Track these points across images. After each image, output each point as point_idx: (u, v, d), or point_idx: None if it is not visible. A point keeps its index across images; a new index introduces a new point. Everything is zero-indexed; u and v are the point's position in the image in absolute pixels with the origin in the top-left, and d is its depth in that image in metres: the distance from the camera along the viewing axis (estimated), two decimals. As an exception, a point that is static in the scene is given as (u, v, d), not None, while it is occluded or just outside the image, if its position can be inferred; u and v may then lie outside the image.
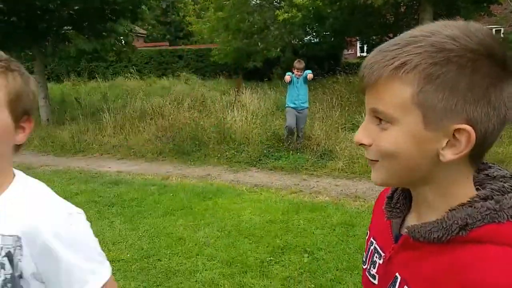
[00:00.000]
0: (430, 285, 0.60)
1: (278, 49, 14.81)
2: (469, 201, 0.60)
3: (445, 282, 0.58)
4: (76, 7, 8.82)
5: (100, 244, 3.04)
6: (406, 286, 0.63)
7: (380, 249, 0.73)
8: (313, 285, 2.83)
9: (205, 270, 3.13)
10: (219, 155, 6.70)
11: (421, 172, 0.61)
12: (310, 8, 10.14)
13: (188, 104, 9.06)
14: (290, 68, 19.71)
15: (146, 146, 7.29)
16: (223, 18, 14.35)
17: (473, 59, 0.55)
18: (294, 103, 6.44)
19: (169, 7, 30.51)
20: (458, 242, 0.58)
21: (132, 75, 15.34)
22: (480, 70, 0.55)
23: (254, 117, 8.30)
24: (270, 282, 2.90)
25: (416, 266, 0.62)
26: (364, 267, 0.77)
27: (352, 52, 22.65)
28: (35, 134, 8.31)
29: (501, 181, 0.62)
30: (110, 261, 2.85)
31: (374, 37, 13.31)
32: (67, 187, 5.25)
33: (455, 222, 0.58)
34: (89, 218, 3.22)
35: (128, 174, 6.01)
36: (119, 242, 3.64)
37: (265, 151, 6.56)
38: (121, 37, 9.40)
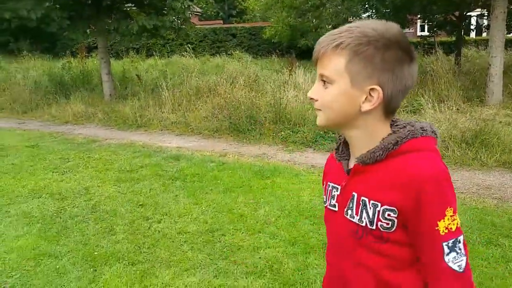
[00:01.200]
0: (379, 189, 0.89)
1: (331, 26, 14.38)
2: (393, 130, 0.92)
3: (389, 183, 0.88)
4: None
5: (166, 216, 3.21)
6: (363, 196, 0.92)
7: (336, 184, 1.01)
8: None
9: (268, 247, 3.20)
10: (274, 134, 6.72)
11: (349, 118, 0.91)
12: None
13: (242, 83, 9.09)
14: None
15: (203, 123, 7.47)
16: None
17: (385, 43, 0.86)
18: None
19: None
20: (392, 156, 0.89)
21: (187, 53, 15.60)
22: (389, 51, 0.86)
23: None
24: (333, 264, 2.92)
25: (366, 182, 0.92)
26: (325, 205, 1.04)
27: (412, 30, 21.50)
28: (99, 109, 8.79)
29: (406, 123, 0.94)
30: (177, 233, 3.00)
31: (437, 16, 12.49)
32: (132, 160, 5.53)
33: (390, 142, 0.89)
34: (155, 191, 3.40)
35: (187, 149, 6.21)
36: (184, 215, 3.80)
37: (320, 132, 6.48)
38: (179, 14, 9.52)
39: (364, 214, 0.92)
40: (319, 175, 4.85)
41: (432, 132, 0.92)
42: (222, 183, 4.62)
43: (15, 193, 4.44)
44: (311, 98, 0.95)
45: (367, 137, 0.93)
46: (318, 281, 2.73)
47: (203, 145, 6.54)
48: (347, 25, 0.91)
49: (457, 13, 11.73)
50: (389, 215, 0.88)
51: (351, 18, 15.80)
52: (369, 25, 0.88)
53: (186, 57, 15.93)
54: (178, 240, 3.36)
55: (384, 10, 13.39)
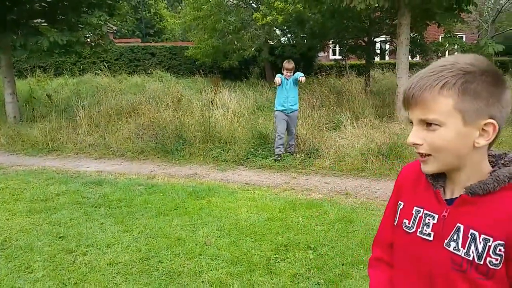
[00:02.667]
0: (491, 223, 0.85)
1: (253, 49, 14.78)
2: (502, 163, 0.91)
3: (502, 218, 0.85)
4: (49, -1, 8.39)
5: (93, 247, 2.87)
6: (472, 229, 0.87)
7: (431, 212, 0.95)
8: (322, 281, 2.80)
9: (211, 270, 3.01)
10: (204, 153, 6.55)
11: (463, 160, 0.89)
12: (291, 11, 10.15)
13: (167, 102, 8.81)
14: (265, 69, 19.91)
15: (126, 145, 7.02)
16: (199, 16, 14.13)
17: (487, 75, 0.85)
18: (283, 106, 5.97)
19: (140, 3, 29.73)
20: (504, 190, 0.86)
21: (102, 71, 14.77)
22: (492, 83, 0.85)
23: (237, 116, 8.22)
24: (279, 280, 2.84)
25: (475, 214, 0.88)
26: (411, 231, 0.98)
27: (325, 54, 22.97)
28: (1, 132, 7.83)
29: (505, 156, 0.93)
30: (107, 265, 2.68)
31: (350, 40, 13.54)
32: (46, 188, 4.95)
33: (504, 175, 0.86)
34: (76, 220, 3.03)
35: (110, 174, 5.75)
36: (113, 244, 3.45)
37: (251, 150, 6.47)
38: (96, 29, 8.95)
39: (473, 248, 0.87)
40: (254, 192, 4.80)
41: None
42: (153, 207, 4.32)
43: None
44: (414, 144, 0.91)
45: (473, 171, 0.91)
46: (267, 301, 2.62)
47: (128, 168, 6.12)
48: (436, 63, 0.89)
49: (366, 39, 12.79)
50: (500, 250, 0.85)
51: (271, 41, 16.40)
52: (460, 60, 0.87)
53: (100, 75, 15.09)
54: (109, 273, 3.01)
55: (302, 35, 14.16)
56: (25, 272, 3.02)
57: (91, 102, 9.08)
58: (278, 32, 15.84)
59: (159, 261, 3.18)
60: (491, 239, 0.85)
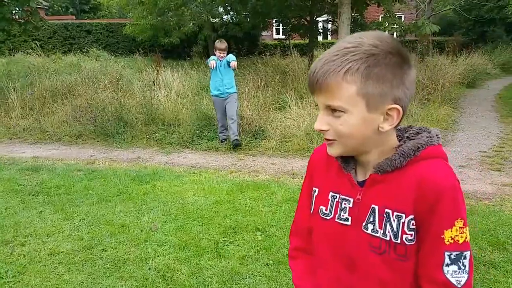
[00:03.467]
0: (401, 199, 0.86)
1: (192, 24, 14.38)
2: (407, 136, 0.92)
3: (410, 191, 0.84)
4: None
5: (32, 236, 2.76)
6: (386, 208, 0.87)
7: (347, 196, 0.94)
8: (271, 261, 2.88)
9: (157, 256, 3.00)
10: (147, 136, 6.40)
11: (369, 143, 0.88)
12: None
13: (106, 82, 8.41)
14: (209, 47, 19.43)
15: (63, 129, 6.67)
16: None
17: (391, 57, 0.81)
18: (219, 89, 5.71)
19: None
20: (411, 163, 0.86)
21: (34, 50, 13.71)
22: (396, 65, 0.82)
23: (180, 97, 8.06)
24: (228, 263, 2.89)
25: (386, 192, 0.88)
26: (329, 217, 0.95)
27: (269, 33, 22.99)
28: None
29: (410, 129, 0.94)
30: (47, 255, 2.60)
31: (293, 19, 13.64)
32: (-25, 177, 4.59)
33: (410, 149, 0.86)
34: (13, 209, 2.90)
35: (47, 159, 5.46)
36: (53, 234, 3.31)
37: (197, 131, 6.41)
38: (24, 5, 8.21)
39: (388, 228, 0.87)
40: (200, 175, 4.79)
41: (439, 138, 0.91)
42: (95, 193, 4.18)
43: None
44: (321, 130, 0.88)
45: (380, 151, 0.90)
46: (214, 282, 2.67)
47: (65, 153, 5.83)
48: (340, 45, 0.84)
49: (308, 18, 12.96)
50: (413, 224, 0.85)
51: (213, 19, 16.08)
52: (365, 41, 0.82)
53: (33, 55, 14.02)
54: (51, 263, 2.90)
55: (244, 13, 14.02)
56: None
57: (24, 84, 8.44)
58: (220, 10, 15.54)
59: (103, 249, 3.10)
60: (404, 216, 0.85)
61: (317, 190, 1.00)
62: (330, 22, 15.02)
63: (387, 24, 9.87)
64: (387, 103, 0.83)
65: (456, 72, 11.30)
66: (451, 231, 0.82)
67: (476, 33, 21.38)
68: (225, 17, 16.93)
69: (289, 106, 7.07)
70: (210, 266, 2.86)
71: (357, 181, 0.93)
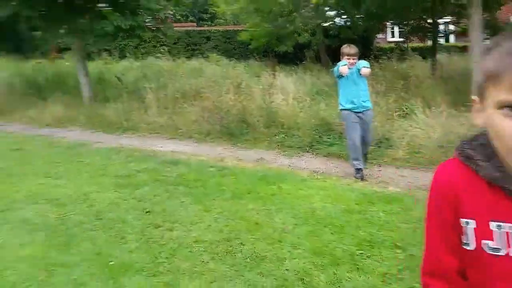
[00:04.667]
0: None
1: (308, 33, 14.48)
2: None
3: None
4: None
5: (178, 223, 2.99)
6: None
7: None
8: (417, 284, 2.71)
9: (293, 258, 3.06)
10: (269, 139, 6.62)
11: None
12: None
13: (230, 86, 8.94)
14: (321, 51, 19.22)
15: (193, 127, 7.26)
16: (253, 0, 14.09)
17: None
18: (353, 103, 4.66)
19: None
20: None
21: (162, 55, 15.24)
22: None
23: (297, 101, 8.17)
24: (368, 278, 2.78)
25: None
26: (501, 253, 0.77)
27: (383, 36, 22.07)
28: (80, 112, 8.37)
29: None
30: (193, 242, 2.79)
31: (411, 22, 12.86)
32: (128, 165, 5.28)
33: None
34: (159, 197, 3.18)
35: (183, 154, 6.00)
36: (196, 223, 3.61)
37: (316, 136, 6.44)
38: (155, 14, 9.29)
39: None
40: (325, 180, 4.79)
41: None
42: (227, 189, 4.45)
43: (9, 198, 4.17)
44: None
45: None
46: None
47: (197, 149, 6.35)
48: None
49: (429, 20, 12.10)
50: None
51: (325, 23, 16.02)
52: None
53: (162, 59, 15.57)
54: (197, 250, 3.17)
55: (358, 16, 13.66)
56: (120, 243, 3.26)
57: (157, 85, 9.43)
58: (331, 13, 15.40)
59: (241, 243, 3.28)
60: None
61: (473, 221, 0.81)
62: (454, 24, 13.82)
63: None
64: None
65: None
66: None
67: None
68: (337, 20, 16.72)
69: (415, 114, 6.66)
70: (349, 278, 2.80)
71: None
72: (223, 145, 6.55)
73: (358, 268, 2.91)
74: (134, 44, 19.08)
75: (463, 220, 0.82)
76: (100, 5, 9.73)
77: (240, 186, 4.55)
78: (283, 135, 6.60)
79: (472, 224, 0.81)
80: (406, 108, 7.23)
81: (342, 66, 4.55)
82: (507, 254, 0.77)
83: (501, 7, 10.50)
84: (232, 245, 3.25)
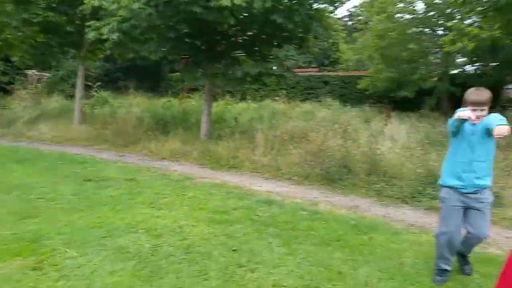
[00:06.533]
0: None
1: (435, 79, 13.78)
2: None
3: None
4: (251, 33, 9.59)
5: (261, 265, 3.09)
6: None
7: None
8: None
9: (371, 313, 2.95)
10: (367, 186, 6.44)
11: None
12: (485, 37, 9.15)
13: (335, 130, 8.99)
14: (443, 99, 18.23)
15: (294, 169, 7.45)
16: (382, 46, 14.07)
17: None
18: (460, 178, 3.18)
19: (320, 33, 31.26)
20: None
21: (279, 98, 16.07)
22: None
23: (405, 149, 7.80)
24: None
25: None
26: None
27: (512, 86, 19.65)
28: (194, 147, 9.28)
29: None
30: (272, 286, 2.84)
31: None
32: (226, 202, 5.63)
33: None
34: (249, 236, 3.32)
35: (278, 195, 6.19)
36: (279, 266, 3.68)
37: (419, 187, 6.06)
38: (282, 62, 9.91)
39: None
40: (420, 235, 4.48)
41: None
42: (316, 234, 4.46)
43: (113, 225, 4.55)
44: None
45: None
46: None
47: (293, 191, 6.49)
48: None
49: None
50: None
51: (452, 69, 15.06)
52: None
53: (278, 101, 16.43)
54: (277, 293, 3.24)
55: (492, 63, 12.58)
56: (203, 278, 3.41)
57: (268, 126, 9.98)
58: (461, 60, 14.41)
59: (319, 291, 3.26)
60: None
61: None
62: None
63: None
64: None
65: None
66: None
67: None
68: (467, 67, 15.60)
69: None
70: None
71: None
72: (320, 189, 6.58)
73: None
74: (256, 87, 20.53)
75: None
76: (236, 51, 10.83)
77: (330, 232, 4.52)
78: (384, 184, 6.36)
79: None
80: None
81: (464, 112, 2.91)
82: None
83: None
84: (311, 292, 3.25)
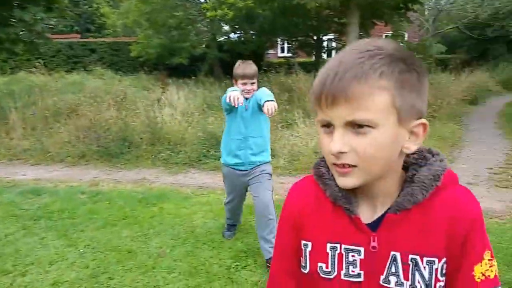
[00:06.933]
0: (431, 239, 0.70)
1: (203, 46, 14.44)
2: (413, 162, 0.75)
3: (440, 228, 0.70)
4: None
5: (34, 265, 2.54)
6: (411, 254, 0.71)
7: (353, 245, 0.74)
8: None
9: (167, 284, 2.81)
10: (153, 156, 6.24)
11: (389, 167, 0.71)
12: (241, 6, 10.03)
13: (111, 101, 8.31)
14: (215, 65, 19.58)
15: (65, 149, 6.50)
16: (147, 12, 13.58)
17: (417, 65, 0.68)
18: (236, 155, 3.00)
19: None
20: (432, 196, 0.71)
21: (37, 69, 13.69)
22: (422, 73, 0.69)
23: (186, 115, 7.94)
24: (242, 290, 2.71)
25: (409, 234, 0.71)
26: (332, 276, 0.75)
27: (274, 52, 23.07)
28: None
29: (411, 154, 0.75)
30: (50, 285, 2.39)
31: (299, 38, 13.68)
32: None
33: (429, 178, 0.71)
34: (13, 236, 2.69)
35: (49, 181, 5.28)
36: (56, 261, 3.11)
37: (203, 151, 6.27)
38: (31, 27, 8.19)
39: (418, 277, 0.70)
40: (209, 196, 4.62)
41: (445, 160, 0.76)
42: (100, 217, 3.99)
43: None
44: (340, 153, 0.68)
45: (392, 179, 0.74)
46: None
47: (68, 174, 5.66)
48: (358, 48, 0.68)
49: (314, 37, 13.00)
50: (445, 268, 0.71)
51: (220, 37, 16.17)
52: (384, 45, 0.68)
53: (35, 73, 14.00)
54: (53, 295, 2.71)
55: (252, 31, 14.10)
56: None
57: (26, 103, 8.34)
58: (226, 28, 15.64)
59: (109, 277, 2.91)
60: (436, 260, 0.70)
61: (309, 244, 0.79)
62: (335, 41, 15.08)
63: (394, 44, 9.80)
64: (414, 117, 0.69)
65: (459, 89, 11.28)
66: (481, 266, 0.70)
67: (478, 50, 21.45)
68: (232, 35, 17.02)
69: (297, 124, 6.94)
70: (223, 294, 2.67)
71: (371, 223, 0.74)
72: (100, 167, 5.97)
73: (232, 281, 2.83)
74: (3, 57, 16.91)
75: (302, 242, 0.80)
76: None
77: (115, 212, 4.12)
78: (169, 152, 6.28)
79: (309, 246, 0.79)
80: (289, 119, 7.51)
81: (233, 93, 2.60)
82: (336, 277, 0.75)
83: (375, 26, 11.66)
84: (99, 281, 2.86)
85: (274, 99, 2.64)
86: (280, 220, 0.86)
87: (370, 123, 0.65)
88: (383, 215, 0.73)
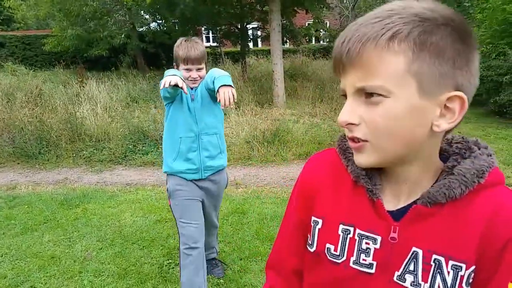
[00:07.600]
0: (462, 242, 0.60)
1: (123, 35, 13.81)
2: (456, 151, 0.66)
3: (474, 231, 0.60)
4: None
5: None
6: (436, 254, 0.61)
7: (370, 232, 0.66)
8: (221, 280, 2.76)
9: None
10: (74, 155, 5.94)
11: (414, 149, 0.61)
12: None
13: (24, 99, 7.69)
14: (138, 56, 18.89)
15: (-25, 153, 5.94)
16: (59, 2, 12.61)
17: (454, 27, 0.57)
18: (189, 160, 2.25)
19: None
20: (471, 194, 0.61)
21: None
22: (460, 39, 0.57)
23: (108, 110, 7.62)
24: (176, 286, 2.71)
25: (438, 232, 0.61)
26: (340, 260, 0.68)
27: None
28: None
29: (454, 144, 0.68)
30: None
31: (223, 27, 13.60)
32: None
33: (472, 173, 0.60)
34: None
35: (-44, 189, 4.81)
36: (-32, 276, 2.88)
37: (130, 146, 6.08)
38: None
39: (439, 281, 0.61)
40: (137, 192, 4.52)
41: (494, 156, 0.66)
42: (18, 222, 3.74)
43: None
44: (349, 124, 0.61)
45: (425, 167, 0.64)
46: (161, 309, 2.49)
47: (-21, 179, 5.19)
48: (383, 8, 0.59)
49: (239, 25, 13.00)
50: (472, 277, 0.61)
51: (140, 27, 15.56)
52: (415, 4, 0.57)
53: None
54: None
55: (173, 20, 13.71)
56: None
57: None
58: (147, 17, 15.08)
59: (31, 286, 2.76)
60: (464, 267, 0.60)
61: (320, 221, 0.72)
62: (260, 29, 15.22)
63: (315, 30, 10.14)
64: (446, 89, 0.58)
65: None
66: None
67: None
68: (152, 24, 16.46)
69: (227, 115, 6.99)
70: (156, 292, 2.66)
71: (388, 211, 0.66)
72: (17, 169, 5.56)
73: (165, 279, 2.80)
74: None
75: (313, 218, 0.73)
76: None
77: (35, 216, 3.88)
78: (92, 149, 6.01)
79: (319, 223, 0.71)
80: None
81: (172, 77, 1.89)
82: (344, 262, 0.67)
83: (296, 14, 11.95)
84: (19, 292, 2.71)
85: (231, 83, 1.93)
86: (293, 192, 0.80)
87: (380, 90, 0.57)
88: (409, 205, 0.64)
